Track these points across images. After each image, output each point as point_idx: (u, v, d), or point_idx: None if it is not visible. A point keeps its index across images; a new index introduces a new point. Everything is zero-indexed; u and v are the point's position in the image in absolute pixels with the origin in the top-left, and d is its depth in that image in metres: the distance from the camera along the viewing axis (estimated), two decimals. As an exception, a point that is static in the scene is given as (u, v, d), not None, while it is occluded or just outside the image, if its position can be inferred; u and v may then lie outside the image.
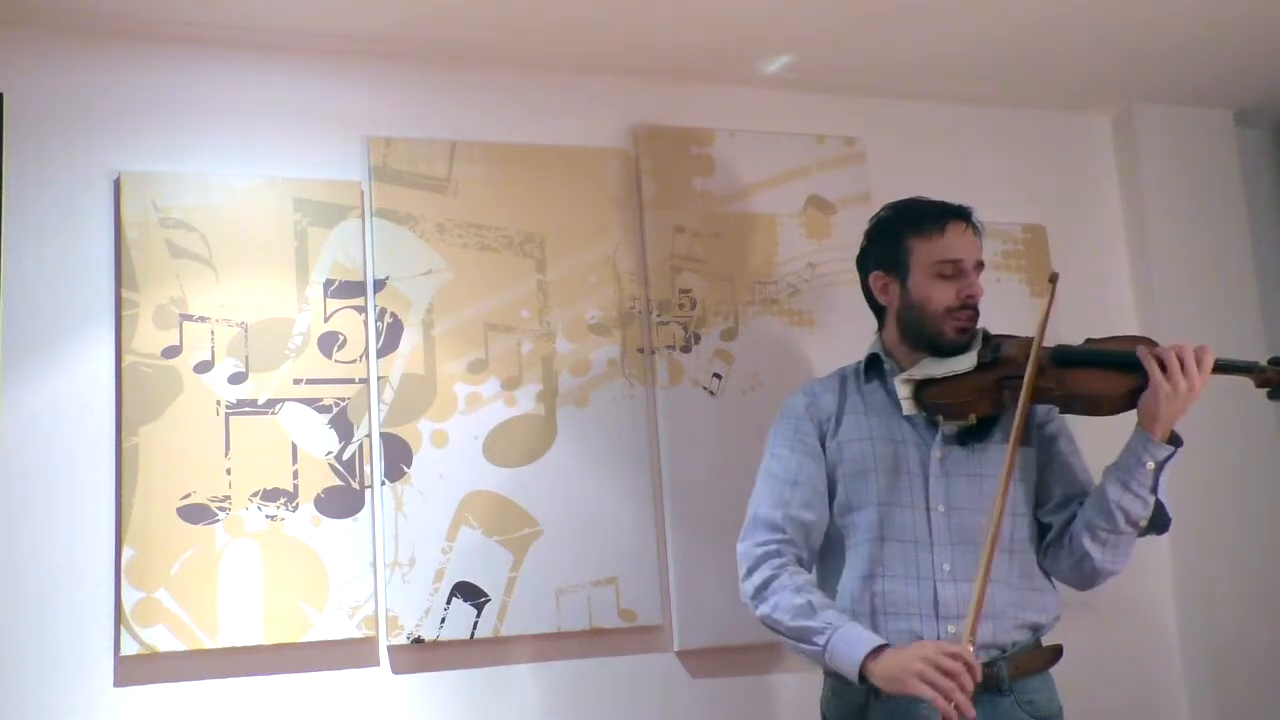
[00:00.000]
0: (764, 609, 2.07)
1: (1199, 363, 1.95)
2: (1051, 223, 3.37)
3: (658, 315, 2.94)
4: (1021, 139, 3.42)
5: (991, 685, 2.01)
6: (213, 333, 2.61)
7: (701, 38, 2.92)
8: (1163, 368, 1.96)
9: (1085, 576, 2.10)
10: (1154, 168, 3.43)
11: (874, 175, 3.17)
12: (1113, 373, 2.04)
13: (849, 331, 2.90)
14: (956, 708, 1.82)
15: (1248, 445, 3.32)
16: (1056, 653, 2.13)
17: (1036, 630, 2.11)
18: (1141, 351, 2.00)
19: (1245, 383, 2.04)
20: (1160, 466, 1.98)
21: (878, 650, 1.93)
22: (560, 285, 2.88)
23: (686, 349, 2.94)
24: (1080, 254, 3.38)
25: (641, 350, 2.92)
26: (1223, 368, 2.01)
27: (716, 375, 2.96)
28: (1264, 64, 3.28)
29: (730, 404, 2.94)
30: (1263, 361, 2.00)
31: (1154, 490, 1.98)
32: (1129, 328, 3.33)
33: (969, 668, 1.84)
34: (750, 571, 2.11)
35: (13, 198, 2.54)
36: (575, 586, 2.74)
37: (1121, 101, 3.45)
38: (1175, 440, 1.99)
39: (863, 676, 1.93)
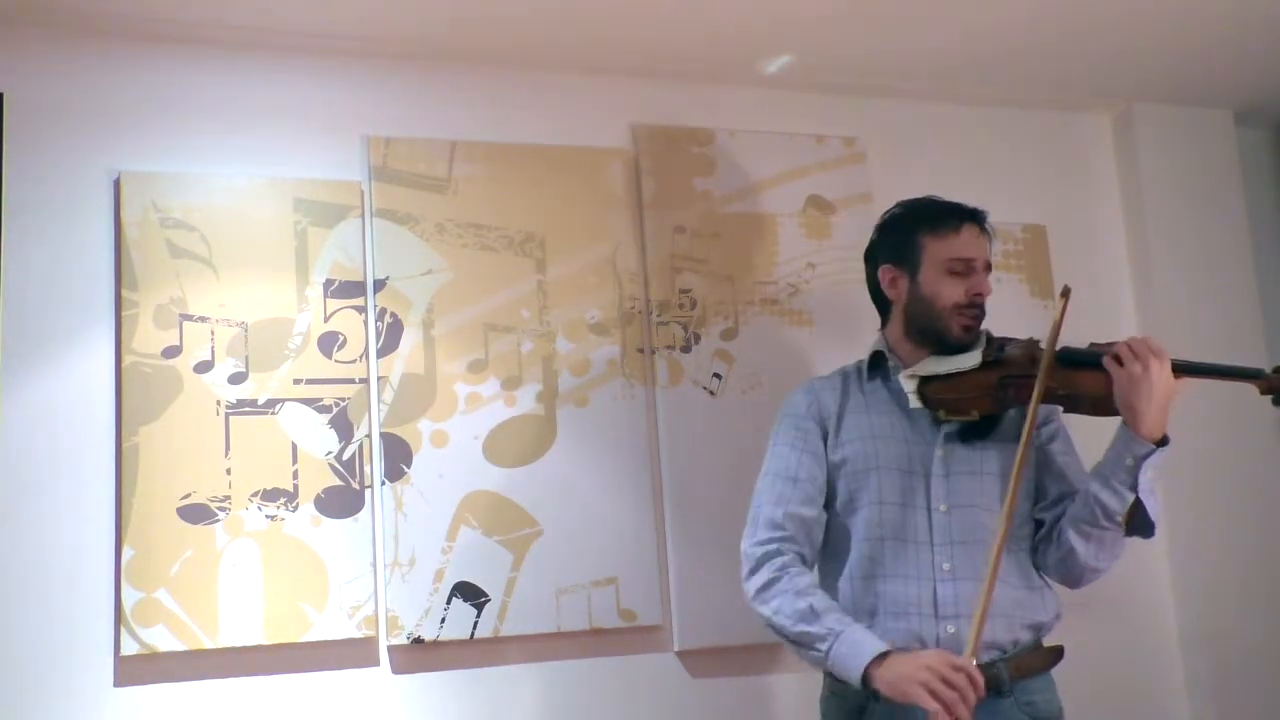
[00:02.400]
0: (766, 611, 2.08)
1: (1149, 346, 1.99)
2: (1051, 223, 3.37)
3: (658, 315, 2.94)
4: (1021, 139, 3.42)
5: (991, 686, 2.01)
6: (213, 333, 2.61)
7: (701, 38, 2.92)
8: (1117, 360, 2.00)
9: (1071, 572, 2.11)
10: (1154, 168, 3.43)
11: (874, 175, 3.16)
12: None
13: (849, 332, 2.90)
14: None
15: (1247, 445, 3.31)
16: (1057, 653, 2.13)
17: (1038, 630, 2.11)
18: (1101, 351, 2.06)
19: (1244, 385, 2.05)
20: (1138, 463, 1.97)
21: (881, 657, 1.93)
22: (560, 285, 2.88)
23: (686, 349, 2.94)
24: (1080, 254, 3.38)
25: (641, 350, 2.92)
26: (1225, 373, 2.06)
27: (716, 375, 2.96)
28: (1264, 64, 3.28)
29: (730, 404, 2.94)
30: (1268, 369, 2.04)
31: (1132, 488, 1.98)
32: (1129, 328, 3.33)
33: (972, 682, 1.86)
34: (753, 571, 2.12)
35: (13, 198, 2.53)
36: (575, 586, 2.74)
37: (1121, 101, 3.44)
38: (1164, 442, 1.99)
39: (866, 683, 1.93)
